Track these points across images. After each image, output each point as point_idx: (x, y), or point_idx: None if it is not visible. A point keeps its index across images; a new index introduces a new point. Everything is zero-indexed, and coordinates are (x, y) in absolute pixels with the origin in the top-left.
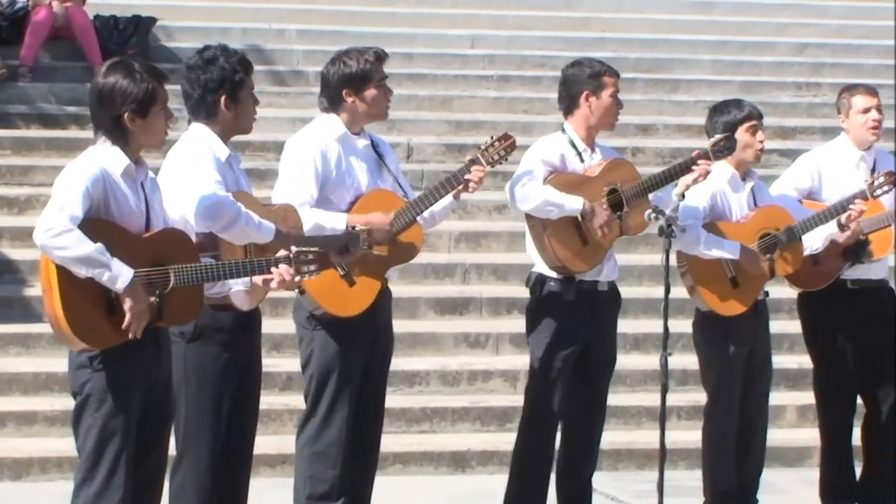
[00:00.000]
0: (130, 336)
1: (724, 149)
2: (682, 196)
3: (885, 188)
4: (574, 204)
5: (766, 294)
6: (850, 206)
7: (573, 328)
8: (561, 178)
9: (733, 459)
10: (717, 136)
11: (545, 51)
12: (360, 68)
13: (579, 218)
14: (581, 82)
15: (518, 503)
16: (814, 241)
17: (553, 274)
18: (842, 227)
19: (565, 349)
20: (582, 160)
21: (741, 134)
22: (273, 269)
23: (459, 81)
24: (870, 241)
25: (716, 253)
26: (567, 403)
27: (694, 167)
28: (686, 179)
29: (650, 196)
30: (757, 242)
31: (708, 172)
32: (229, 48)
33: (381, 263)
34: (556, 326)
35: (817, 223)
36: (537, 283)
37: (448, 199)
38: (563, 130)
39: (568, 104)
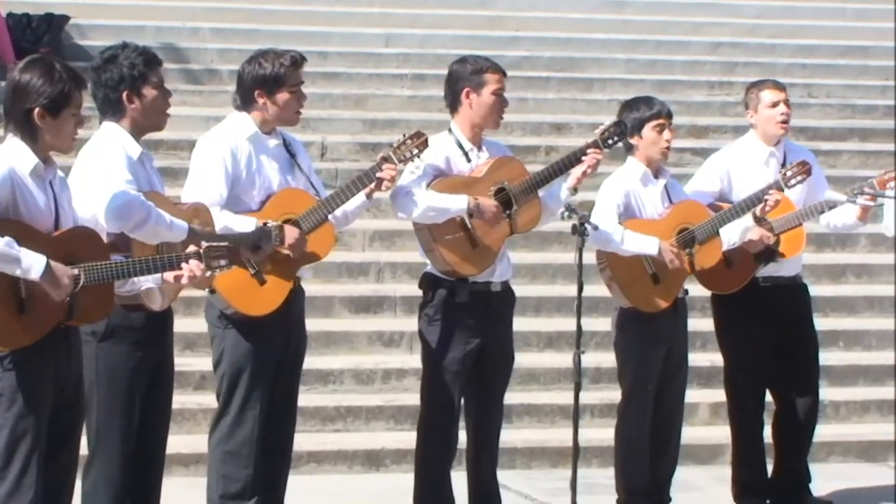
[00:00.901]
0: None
1: (613, 135)
2: (575, 190)
3: (799, 178)
4: (458, 204)
5: (686, 292)
6: (766, 197)
7: (467, 329)
8: (445, 183)
9: (647, 457)
10: (606, 124)
11: (460, 49)
12: (274, 71)
13: (467, 219)
14: (463, 79)
15: (424, 502)
16: (731, 235)
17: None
18: (758, 220)
19: (460, 350)
20: (468, 160)
21: (648, 131)
22: (183, 265)
23: (374, 80)
24: (779, 242)
25: (634, 249)
26: (466, 403)
27: (583, 158)
28: (576, 172)
29: (540, 192)
30: (675, 238)
31: (597, 162)
32: (131, 45)
33: (292, 262)
34: (450, 327)
35: (734, 216)
36: (430, 284)
37: (361, 198)
38: (451, 130)
39: (451, 101)
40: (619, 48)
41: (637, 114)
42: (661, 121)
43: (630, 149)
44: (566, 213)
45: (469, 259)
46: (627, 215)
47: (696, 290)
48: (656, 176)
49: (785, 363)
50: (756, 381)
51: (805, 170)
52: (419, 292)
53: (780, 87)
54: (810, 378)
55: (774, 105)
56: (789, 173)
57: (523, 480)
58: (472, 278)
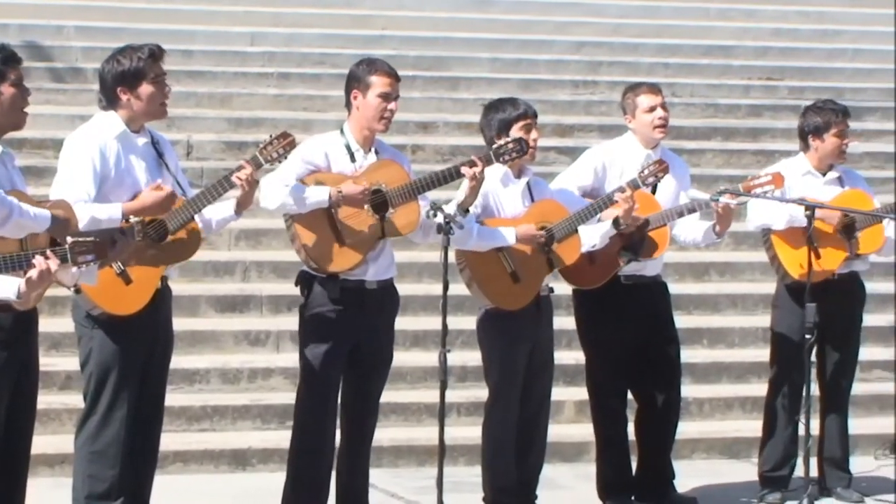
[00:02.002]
0: None
1: (509, 151)
2: (467, 211)
3: (656, 176)
4: (320, 195)
5: (551, 290)
6: (615, 195)
7: (340, 326)
8: (318, 177)
9: (513, 455)
10: (505, 140)
11: (325, 48)
12: (132, 66)
13: (335, 216)
14: (354, 80)
15: (294, 502)
16: (591, 238)
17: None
18: (618, 226)
19: (332, 347)
20: (353, 160)
21: (515, 132)
22: (33, 261)
23: (239, 79)
24: (649, 239)
25: (490, 243)
26: (342, 401)
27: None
28: (464, 187)
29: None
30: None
31: (479, 175)
32: None
33: (158, 261)
34: (324, 325)
35: (592, 214)
36: (304, 281)
37: (229, 212)
38: (342, 130)
39: (346, 101)
40: (484, 47)
41: (503, 115)
42: (527, 121)
43: None
44: (431, 213)
45: (336, 256)
46: (486, 215)
47: (561, 288)
48: (518, 175)
49: (646, 361)
50: (617, 379)
51: (662, 168)
52: (285, 291)
53: (657, 90)
54: (671, 376)
55: (651, 109)
56: (646, 171)
57: (390, 479)
58: (343, 276)
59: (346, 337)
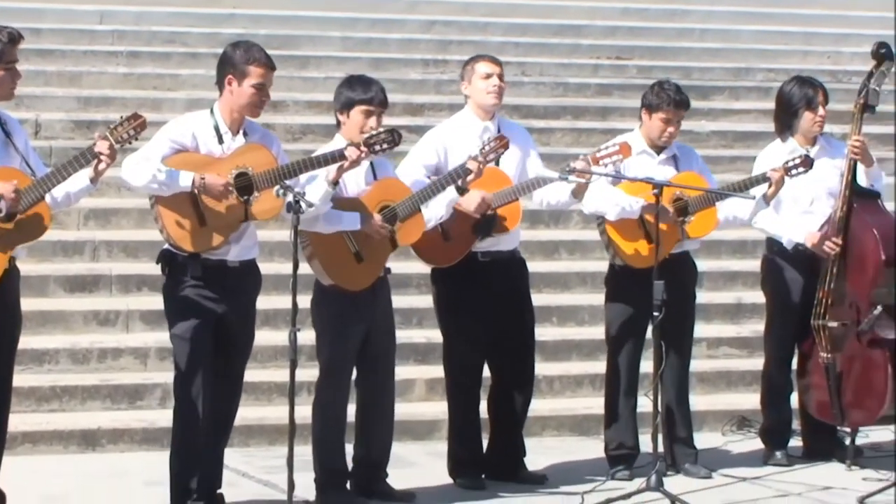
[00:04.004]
0: None
1: (381, 142)
2: (335, 184)
3: (496, 152)
4: (184, 180)
5: (388, 271)
6: (462, 170)
7: (201, 304)
8: (184, 157)
9: (343, 436)
10: (380, 131)
11: (175, 27)
12: None
13: (198, 197)
14: (229, 65)
15: (181, 477)
16: (437, 210)
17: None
18: (461, 191)
19: (195, 325)
20: (221, 142)
21: (355, 114)
22: None
23: (88, 57)
24: (500, 215)
25: (336, 226)
26: (205, 380)
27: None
28: (332, 169)
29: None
30: (377, 214)
31: (358, 161)
32: None
33: (6, 241)
34: (187, 301)
35: (434, 192)
36: (166, 259)
37: (85, 181)
38: (212, 111)
39: (217, 82)
40: (335, 26)
41: (350, 93)
42: (368, 108)
43: (339, 126)
44: (281, 191)
45: (195, 235)
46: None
47: (412, 266)
48: None
49: (503, 338)
50: (475, 357)
51: (503, 144)
52: (135, 270)
53: (496, 61)
54: (527, 353)
55: (488, 77)
56: (487, 147)
57: (241, 458)
58: (204, 255)
59: (209, 314)
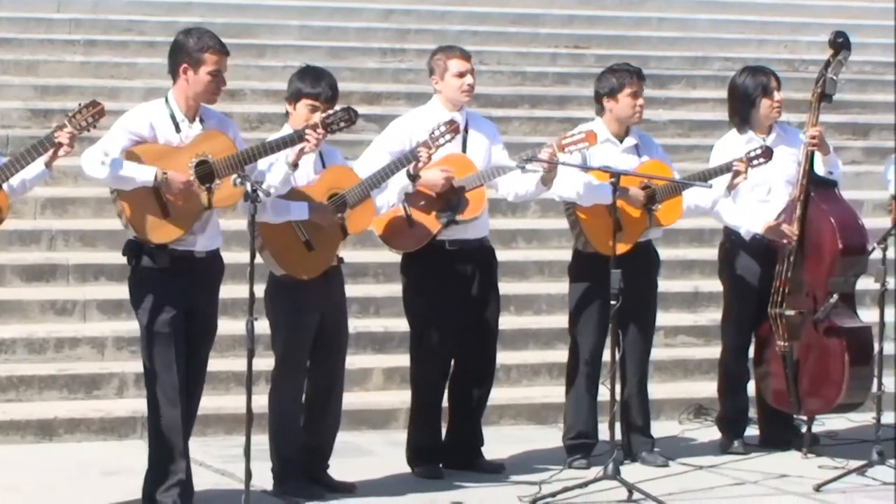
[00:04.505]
0: None
1: (339, 120)
2: (295, 166)
3: (447, 137)
4: (146, 175)
5: (340, 260)
6: (416, 154)
7: (169, 294)
8: (144, 148)
9: (300, 425)
10: (336, 110)
11: (132, 15)
12: None
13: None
14: (183, 53)
15: (158, 464)
16: (388, 197)
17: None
18: (412, 178)
19: (164, 315)
20: (179, 130)
21: (301, 106)
22: None
23: (45, 46)
24: (466, 199)
25: (284, 216)
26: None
27: (307, 137)
28: (292, 151)
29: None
30: (326, 203)
31: (319, 142)
32: None
33: None
34: (154, 292)
35: (384, 177)
36: (132, 250)
37: (40, 167)
38: (167, 100)
39: (170, 71)
40: (293, 14)
41: (300, 84)
42: (313, 102)
43: (287, 116)
44: (238, 181)
45: (159, 227)
46: None
47: (370, 256)
48: None
49: (469, 327)
50: (441, 345)
51: (453, 128)
52: (92, 260)
53: (467, 56)
54: (490, 342)
55: (461, 75)
56: (437, 132)
57: (199, 447)
58: (171, 245)
59: (178, 303)
